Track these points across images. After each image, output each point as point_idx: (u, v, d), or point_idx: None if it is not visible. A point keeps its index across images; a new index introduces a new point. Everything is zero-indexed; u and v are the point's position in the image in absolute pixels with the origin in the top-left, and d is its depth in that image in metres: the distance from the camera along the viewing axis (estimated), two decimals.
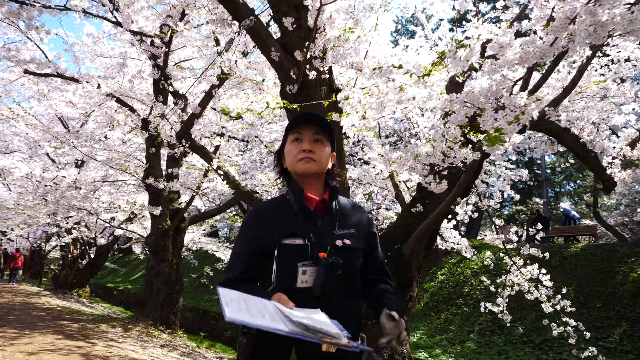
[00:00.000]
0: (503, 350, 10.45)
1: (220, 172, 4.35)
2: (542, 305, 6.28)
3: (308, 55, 3.13)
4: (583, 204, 25.09)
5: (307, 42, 3.08)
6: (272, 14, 3.40)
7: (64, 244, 16.32)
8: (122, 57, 8.96)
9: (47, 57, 7.83)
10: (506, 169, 7.85)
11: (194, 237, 14.91)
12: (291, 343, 1.31)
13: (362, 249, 1.60)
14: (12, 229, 18.47)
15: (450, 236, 8.32)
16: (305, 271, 1.44)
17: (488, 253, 7.28)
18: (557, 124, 4.25)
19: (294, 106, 3.19)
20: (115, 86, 7.45)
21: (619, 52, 5.01)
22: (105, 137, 10.51)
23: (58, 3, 5.72)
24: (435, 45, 5.97)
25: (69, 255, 15.48)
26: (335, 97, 3.13)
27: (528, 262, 6.37)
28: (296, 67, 3.24)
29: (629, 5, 2.02)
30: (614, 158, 4.57)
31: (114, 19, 6.49)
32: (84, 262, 15.76)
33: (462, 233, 21.06)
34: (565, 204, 19.01)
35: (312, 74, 3.18)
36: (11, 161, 12.82)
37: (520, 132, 4.04)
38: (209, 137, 7.35)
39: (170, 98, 7.79)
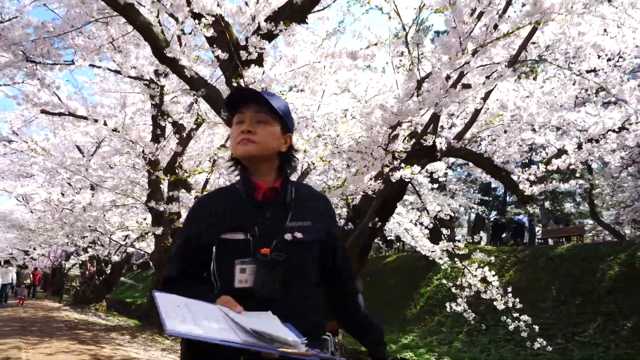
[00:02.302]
0: (486, 348, 11.18)
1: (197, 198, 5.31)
2: (495, 303, 7.07)
3: None
4: (585, 202, 25.45)
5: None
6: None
7: (81, 261, 17.49)
8: (125, 92, 10.07)
9: (60, 100, 8.93)
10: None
11: None
12: (240, 353, 1.10)
13: (318, 243, 1.44)
14: (34, 249, 19.82)
15: (423, 245, 9.17)
16: (244, 269, 1.30)
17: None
18: (472, 151, 5.13)
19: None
20: (118, 123, 8.51)
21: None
22: (114, 165, 11.63)
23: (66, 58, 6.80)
24: None
25: (86, 272, 16.63)
26: None
27: (481, 265, 7.16)
28: None
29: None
30: (529, 175, 5.42)
31: (114, 68, 7.54)
32: (101, 278, 16.91)
33: (468, 239, 21.64)
34: (521, 214, 19.80)
35: None
36: (32, 187, 14.03)
37: (435, 159, 4.95)
38: (198, 166, 8.35)
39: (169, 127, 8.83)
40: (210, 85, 4.11)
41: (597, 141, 5.50)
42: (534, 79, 6.80)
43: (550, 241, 17.90)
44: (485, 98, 4.60)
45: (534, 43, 5.28)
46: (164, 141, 8.41)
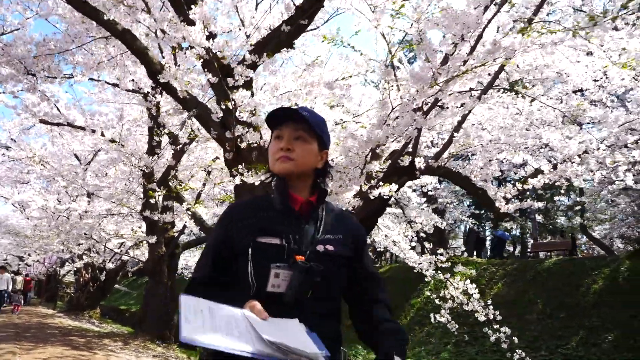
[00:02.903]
0: (473, 358, 11.38)
1: (189, 212, 5.59)
2: (476, 314, 7.31)
3: (241, 131, 4.34)
4: (576, 217, 25.75)
5: (234, 123, 4.28)
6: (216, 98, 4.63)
7: (76, 268, 17.64)
8: (123, 103, 10.34)
9: (59, 110, 9.18)
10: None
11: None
12: None
13: (347, 258, 1.47)
14: (29, 255, 19.95)
15: (410, 257, 9.40)
16: (278, 274, 1.31)
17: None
18: (450, 170, 5.40)
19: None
20: (115, 134, 8.76)
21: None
22: (115, 168, 11.88)
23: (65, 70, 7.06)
24: None
25: (81, 279, 16.77)
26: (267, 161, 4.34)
27: (463, 278, 7.41)
28: (231, 140, 4.45)
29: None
30: (505, 193, 5.69)
31: (112, 82, 7.81)
32: (95, 285, 17.06)
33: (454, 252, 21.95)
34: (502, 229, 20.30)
35: (245, 144, 4.38)
36: (29, 194, 14.23)
37: (415, 177, 5.21)
38: (193, 176, 8.60)
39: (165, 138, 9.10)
40: (201, 105, 4.38)
41: (572, 162, 5.80)
42: (523, 97, 7.10)
43: (542, 254, 18.18)
44: (462, 121, 4.88)
45: (518, 66, 5.59)
46: (159, 152, 8.67)
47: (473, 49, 3.75)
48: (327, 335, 1.31)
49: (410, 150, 4.75)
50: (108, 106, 11.14)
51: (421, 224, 7.94)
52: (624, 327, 10.09)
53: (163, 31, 3.47)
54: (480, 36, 3.95)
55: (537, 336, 11.27)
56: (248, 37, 6.01)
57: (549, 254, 16.91)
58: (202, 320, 1.05)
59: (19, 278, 19.06)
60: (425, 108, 4.00)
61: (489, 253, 19.87)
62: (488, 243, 22.34)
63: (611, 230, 22.27)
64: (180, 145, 6.98)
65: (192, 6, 3.29)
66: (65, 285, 29.38)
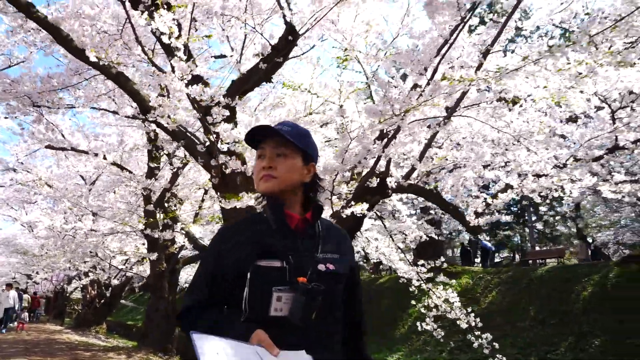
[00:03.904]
0: None
1: (183, 231, 6.06)
2: (458, 321, 7.68)
3: (224, 159, 4.82)
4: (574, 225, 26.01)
5: (218, 152, 4.75)
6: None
7: (83, 285, 18.14)
8: (124, 126, 10.90)
9: (63, 136, 9.72)
10: None
11: None
12: None
13: (344, 276, 1.46)
14: (37, 273, 20.50)
15: (400, 267, 9.80)
16: (280, 297, 1.29)
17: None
18: (422, 187, 5.84)
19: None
20: (117, 157, 9.29)
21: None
22: (115, 191, 12.41)
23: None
24: None
25: (87, 296, 17.26)
26: (251, 183, 4.81)
27: (446, 288, 7.80)
28: (216, 167, 4.93)
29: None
30: (476, 208, 6.12)
31: (111, 110, 8.34)
32: (102, 301, 17.55)
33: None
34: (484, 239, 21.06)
35: (229, 170, 4.86)
36: (36, 215, 14.78)
37: (387, 196, 5.66)
38: (190, 195, 9.10)
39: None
40: (188, 137, 4.87)
41: (539, 177, 6.23)
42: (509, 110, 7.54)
43: (539, 262, 18.53)
44: (428, 144, 5.33)
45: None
46: (158, 173, 9.20)
47: (428, 83, 4.19)
48: (331, 355, 1.35)
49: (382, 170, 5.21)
50: (110, 127, 11.72)
51: (403, 234, 8.36)
52: (611, 333, 10.41)
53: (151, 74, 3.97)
54: (435, 71, 4.43)
55: (529, 342, 11.60)
56: (239, 62, 6.55)
57: (543, 261, 17.21)
58: None
59: (26, 296, 19.60)
60: (389, 135, 4.48)
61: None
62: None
63: (616, 236, 22.44)
64: (175, 169, 7.50)
65: (176, 54, 3.78)
66: (73, 302, 29.88)
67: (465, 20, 4.18)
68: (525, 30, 6.00)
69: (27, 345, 9.82)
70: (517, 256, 27.65)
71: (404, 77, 7.94)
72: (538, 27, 6.93)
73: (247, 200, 4.00)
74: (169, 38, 3.29)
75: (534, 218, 25.36)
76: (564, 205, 23.35)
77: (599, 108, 5.48)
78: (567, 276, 13.58)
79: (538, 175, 6.22)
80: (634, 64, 3.19)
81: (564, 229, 28.88)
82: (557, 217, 23.32)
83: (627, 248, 21.42)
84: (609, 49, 2.77)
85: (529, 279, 14.42)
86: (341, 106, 4.02)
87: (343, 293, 1.48)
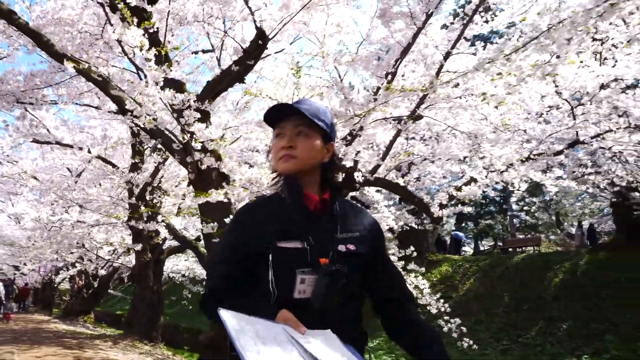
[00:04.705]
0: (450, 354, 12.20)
1: (164, 223, 6.37)
2: (428, 307, 8.10)
3: (199, 156, 5.13)
4: (553, 213, 26.67)
5: (192, 150, 5.06)
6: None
7: (70, 276, 18.38)
8: (109, 119, 11.12)
9: (48, 131, 9.94)
10: None
11: (187, 264, 16.90)
12: None
13: (367, 255, 1.40)
14: (24, 264, 20.66)
15: None
16: (303, 280, 1.27)
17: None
18: (388, 181, 6.20)
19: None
20: (101, 151, 9.54)
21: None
22: (100, 184, 12.65)
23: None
24: None
25: (75, 286, 17.52)
26: (225, 179, 5.14)
27: (416, 275, 8.21)
28: (192, 163, 5.24)
29: None
30: (440, 200, 6.50)
31: (94, 105, 8.59)
32: (89, 291, 17.83)
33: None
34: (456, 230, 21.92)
35: (205, 166, 5.17)
36: (22, 207, 14.96)
37: (355, 189, 6.02)
38: (176, 186, 9.40)
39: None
40: (165, 135, 5.17)
41: (502, 172, 6.63)
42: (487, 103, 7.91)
43: (518, 249, 19.13)
44: (392, 141, 5.68)
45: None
46: (142, 166, 9.48)
47: (388, 86, 4.51)
48: (355, 336, 1.34)
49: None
50: (95, 121, 11.93)
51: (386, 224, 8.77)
52: (579, 318, 10.95)
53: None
54: (394, 74, 4.76)
55: (501, 327, 12.10)
56: (219, 60, 6.84)
57: (520, 249, 17.77)
58: (253, 341, 1.06)
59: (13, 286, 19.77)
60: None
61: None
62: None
63: (599, 223, 23.01)
64: (156, 164, 7.80)
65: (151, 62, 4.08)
66: (61, 292, 30.05)
67: (421, 28, 4.51)
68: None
69: (15, 335, 10.11)
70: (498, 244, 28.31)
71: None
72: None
73: (216, 196, 4.31)
74: (140, 51, 3.58)
75: (515, 207, 25.98)
76: (545, 194, 23.91)
77: (551, 107, 5.86)
78: (541, 264, 14.10)
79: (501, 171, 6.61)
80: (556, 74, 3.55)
81: (546, 217, 29.60)
82: (536, 207, 23.92)
83: (606, 235, 22.05)
84: (535, 62, 3.13)
85: (505, 266, 14.93)
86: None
87: (372, 267, 1.45)
